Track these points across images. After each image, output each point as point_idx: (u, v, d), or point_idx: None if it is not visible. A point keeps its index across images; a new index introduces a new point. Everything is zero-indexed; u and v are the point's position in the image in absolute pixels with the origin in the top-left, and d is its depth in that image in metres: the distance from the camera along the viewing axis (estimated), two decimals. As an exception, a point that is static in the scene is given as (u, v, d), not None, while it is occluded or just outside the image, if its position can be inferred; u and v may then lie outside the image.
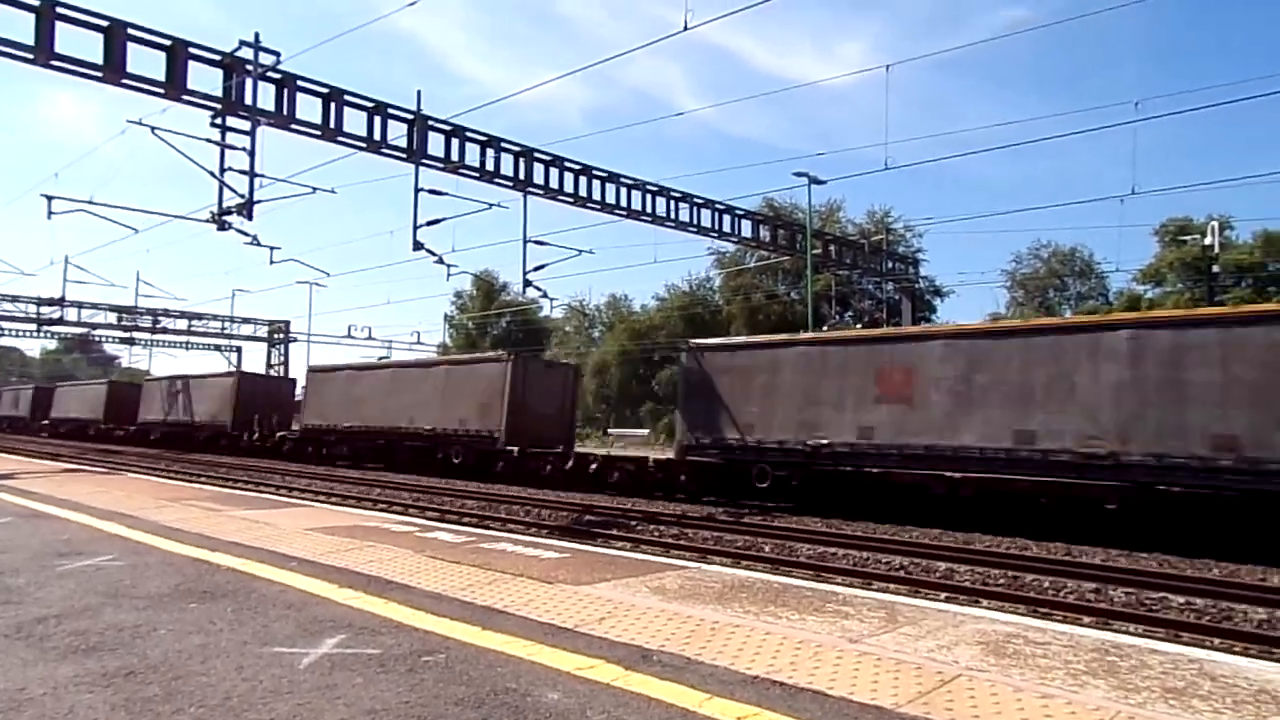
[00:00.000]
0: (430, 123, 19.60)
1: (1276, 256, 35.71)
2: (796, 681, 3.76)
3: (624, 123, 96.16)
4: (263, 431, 33.16)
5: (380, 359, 41.29)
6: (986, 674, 3.86)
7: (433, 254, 20.81)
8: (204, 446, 35.43)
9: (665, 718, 3.33)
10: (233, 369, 40.19)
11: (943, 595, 9.45)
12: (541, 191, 21.73)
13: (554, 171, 21.92)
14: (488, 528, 13.35)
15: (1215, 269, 26.89)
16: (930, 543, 13.17)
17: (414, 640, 4.41)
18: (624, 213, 23.42)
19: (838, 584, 9.14)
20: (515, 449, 23.18)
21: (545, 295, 24.50)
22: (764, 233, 28.66)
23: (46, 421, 50.59)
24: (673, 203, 24.41)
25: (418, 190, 19.69)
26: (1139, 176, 57.49)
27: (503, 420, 23.49)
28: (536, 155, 21.53)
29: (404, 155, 19.33)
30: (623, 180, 23.26)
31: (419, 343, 54.11)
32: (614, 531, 14.35)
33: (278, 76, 17.26)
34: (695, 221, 25.19)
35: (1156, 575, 10.76)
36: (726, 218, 26.17)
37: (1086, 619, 8.35)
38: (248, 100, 16.79)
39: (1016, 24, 74.55)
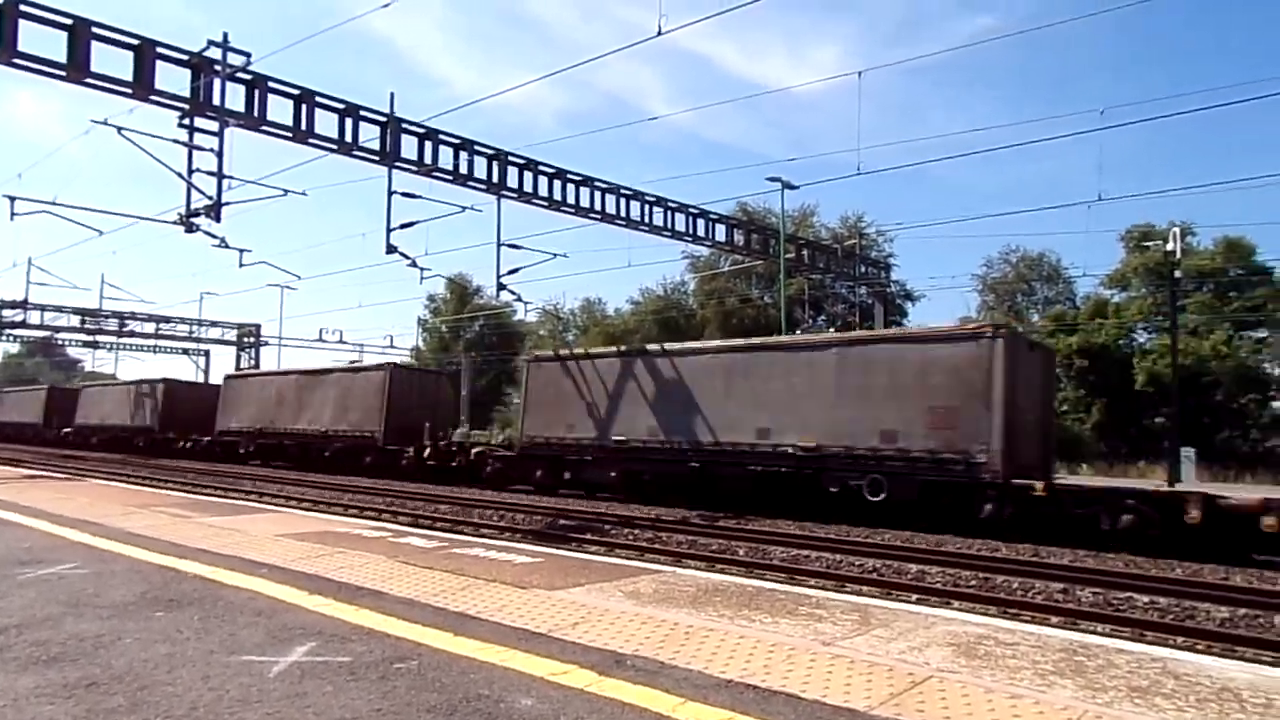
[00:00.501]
0: (403, 125, 19.47)
1: (1237, 262, 36.49)
2: (770, 685, 3.77)
3: (598, 126, 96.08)
4: (188, 436, 35.97)
5: (351, 363, 41.09)
6: (957, 675, 3.90)
7: (406, 257, 20.68)
8: (138, 450, 37.95)
9: (639, 722, 3.33)
10: (164, 376, 41.98)
11: (914, 597, 9.53)
12: (515, 195, 21.66)
13: (528, 175, 21.87)
14: (461, 532, 13.26)
15: (1177, 274, 27.41)
16: (902, 545, 13.28)
17: (386, 647, 4.36)
18: (598, 216, 23.41)
19: (811, 586, 9.20)
20: (394, 447, 26.54)
21: (519, 299, 24.40)
22: (738, 237, 28.77)
23: None
24: (647, 207, 24.44)
25: (391, 193, 19.56)
26: (1106, 183, 58.49)
27: (382, 422, 27.18)
28: (510, 158, 21.46)
29: (377, 158, 19.18)
30: (597, 184, 23.26)
31: (392, 346, 53.69)
32: (588, 535, 14.31)
33: (248, 77, 17.06)
34: (670, 225, 25.24)
35: (1122, 575, 10.94)
36: (701, 222, 26.25)
37: (1054, 619, 8.47)
38: (216, 101, 16.57)
39: (985, 31, 75.72)
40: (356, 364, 34.44)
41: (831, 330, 38.00)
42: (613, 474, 20.18)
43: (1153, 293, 35.71)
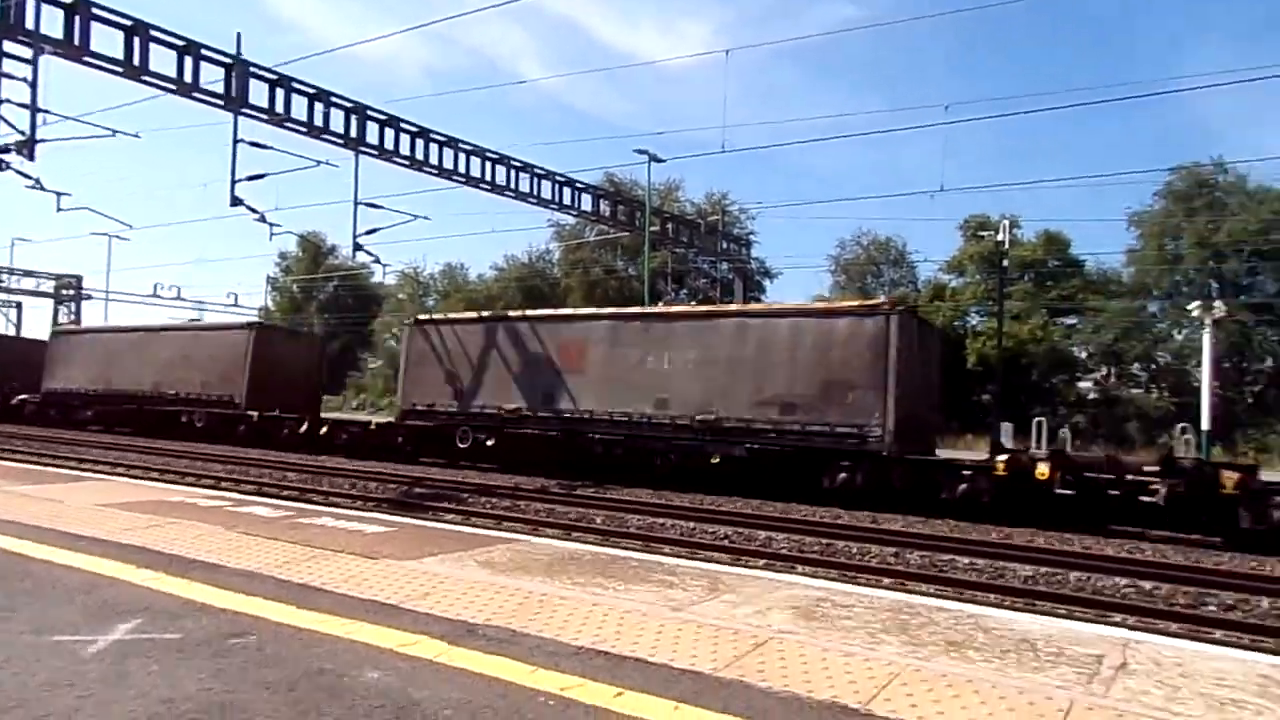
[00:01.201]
0: (252, 69, 18.19)
1: (1054, 254, 39.96)
2: (620, 651, 3.85)
3: (465, 86, 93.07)
4: (2, 393, 32.55)
5: (191, 321, 38.32)
6: (796, 636, 4.11)
7: (253, 211, 19.48)
8: None
9: (489, 691, 3.32)
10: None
11: (762, 562, 9.98)
12: (375, 152, 20.75)
13: (389, 132, 20.98)
14: (310, 501, 12.74)
15: (1005, 263, 29.70)
16: (752, 513, 13.84)
17: (220, 622, 4.14)
18: (462, 179, 22.80)
19: (665, 554, 9.44)
20: (255, 413, 24.55)
21: (377, 260, 23.70)
22: (604, 207, 28.79)
23: None
24: (513, 172, 24.01)
25: (236, 141, 18.27)
26: (948, 174, 62.53)
27: (244, 386, 25.08)
28: (370, 113, 20.51)
29: (221, 102, 17.85)
30: (462, 145, 22.62)
31: (236, 305, 50.39)
32: (445, 504, 14.08)
33: (68, 1, 15.39)
34: (535, 192, 24.93)
35: (947, 539, 11.87)
36: (567, 190, 26.08)
37: (887, 581, 9.10)
38: (30, 24, 14.88)
39: (846, 22, 78.63)
40: (223, 324, 31.34)
41: (692, 304, 38.79)
42: (490, 441, 19.77)
43: (984, 279, 38.51)
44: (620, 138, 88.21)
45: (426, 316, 23.88)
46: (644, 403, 17.69)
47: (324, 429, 23.40)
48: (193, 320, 39.79)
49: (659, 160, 27.43)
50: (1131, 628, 6.71)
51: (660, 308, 23.71)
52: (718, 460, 16.84)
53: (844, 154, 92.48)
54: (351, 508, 12.22)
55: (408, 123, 21.30)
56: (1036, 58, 69.19)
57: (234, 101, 17.86)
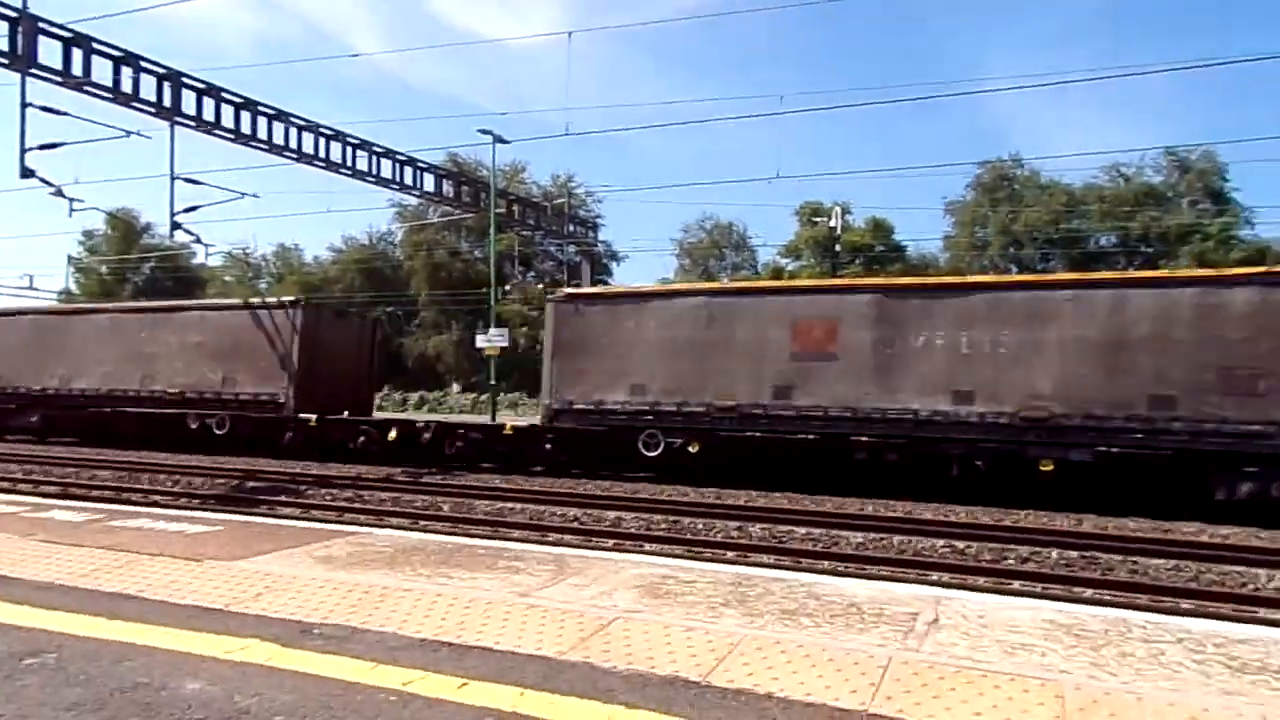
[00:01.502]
0: (41, 24, 16.32)
1: (881, 239, 42.71)
2: (465, 640, 3.81)
3: (295, 57, 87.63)
4: None
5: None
6: (641, 614, 4.21)
7: (48, 184, 17.58)
8: None
9: (325, 691, 3.20)
10: None
11: (611, 542, 10.12)
12: (193, 123, 19.18)
13: (209, 101, 19.42)
14: (126, 501, 11.76)
15: (837, 248, 31.43)
16: (601, 494, 14.02)
17: (14, 641, 3.75)
18: (294, 156, 21.47)
19: (515, 539, 9.40)
20: (311, 417, 19.72)
21: (198, 240, 21.84)
22: (447, 188, 27.96)
23: None
24: (349, 149, 22.85)
25: (25, 105, 16.41)
26: (783, 162, 65.30)
27: (291, 381, 19.73)
28: (186, 80, 18.90)
29: (5, 60, 15.93)
30: (293, 120, 21.28)
31: (32, 287, 45.31)
32: (281, 498, 13.38)
33: None
34: (375, 171, 23.84)
35: (786, 511, 12.48)
36: (408, 170, 25.10)
37: (730, 554, 9.46)
38: None
39: (685, 10, 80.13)
40: (254, 301, 22.94)
41: (539, 286, 38.59)
42: (693, 448, 16.25)
43: (819, 263, 40.55)
44: (464, 117, 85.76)
45: (587, 290, 19.81)
46: (934, 396, 14.52)
47: (425, 435, 18.83)
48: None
49: (504, 141, 26.94)
50: (946, 585, 7.36)
51: (953, 280, 19.03)
52: (1049, 467, 13.74)
53: (686, 139, 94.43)
54: (174, 506, 11.39)
55: (230, 93, 19.80)
56: (866, 52, 73.25)
57: (20, 60, 15.98)
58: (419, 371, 44.88)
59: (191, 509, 10.08)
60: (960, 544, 10.19)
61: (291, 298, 21.37)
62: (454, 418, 25.95)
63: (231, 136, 19.95)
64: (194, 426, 20.80)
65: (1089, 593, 7.84)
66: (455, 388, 43.02)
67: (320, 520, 10.27)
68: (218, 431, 20.54)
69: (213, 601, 4.40)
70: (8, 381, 23.43)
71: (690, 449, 16.11)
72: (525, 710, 3.05)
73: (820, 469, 15.26)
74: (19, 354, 23.26)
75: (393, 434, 18.97)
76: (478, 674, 3.40)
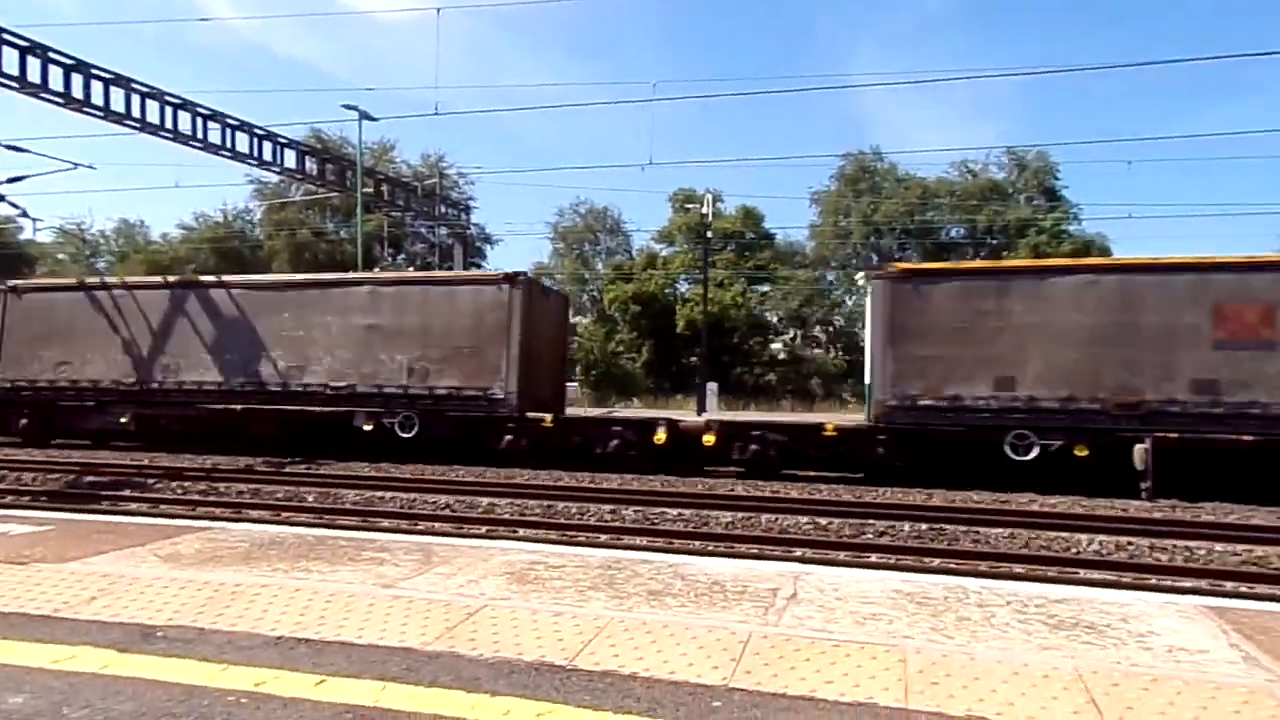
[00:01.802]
0: None
1: (751, 227, 43.93)
2: (324, 636, 3.69)
3: (137, 18, 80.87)
4: None
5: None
6: (509, 602, 4.19)
7: None
8: None
9: (168, 697, 3.02)
10: None
11: (484, 529, 10.01)
12: (15, 84, 17.45)
13: (34, 61, 17.72)
14: (-63, 504, 10.63)
15: (709, 235, 32.09)
16: (475, 480, 13.82)
17: None
18: (136, 125, 19.91)
19: (384, 528, 9.14)
20: (547, 416, 16.76)
21: (25, 214, 19.95)
22: (310, 165, 26.68)
23: None
24: (200, 120, 21.40)
25: None
26: (656, 148, 66.06)
27: (511, 371, 16.54)
28: (7, 36, 17.15)
29: None
30: (135, 86, 19.71)
31: None
32: (125, 493, 12.47)
33: None
34: (230, 145, 22.44)
35: (659, 493, 12.69)
36: (267, 144, 23.77)
37: (604, 537, 9.54)
38: None
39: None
40: (452, 275, 20.57)
41: (410, 269, 37.49)
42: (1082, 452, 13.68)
43: (692, 249, 41.28)
44: (328, 91, 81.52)
45: (929, 267, 16.97)
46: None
47: (708, 437, 15.61)
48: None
49: (371, 119, 25.97)
50: (809, 560, 7.69)
51: None
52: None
53: (559, 122, 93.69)
54: (-2, 506, 10.42)
55: (61, 53, 18.13)
56: (738, 42, 74.75)
57: None
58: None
59: (19, 508, 9.24)
60: (823, 520, 10.67)
61: (507, 271, 17.37)
62: (744, 416, 21.69)
63: (61, 101, 18.31)
64: (366, 428, 17.20)
65: (937, 562, 8.40)
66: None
67: (169, 516, 9.64)
68: (402, 434, 17.01)
69: (38, 608, 4.07)
70: (78, 372, 18.87)
71: (1077, 452, 13.73)
72: (387, 704, 2.99)
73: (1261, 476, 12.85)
74: (98, 338, 18.89)
75: (661, 434, 15.97)
76: (337, 670, 3.30)
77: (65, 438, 19.22)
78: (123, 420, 18.50)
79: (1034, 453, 13.80)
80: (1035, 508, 11.75)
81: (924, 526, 10.31)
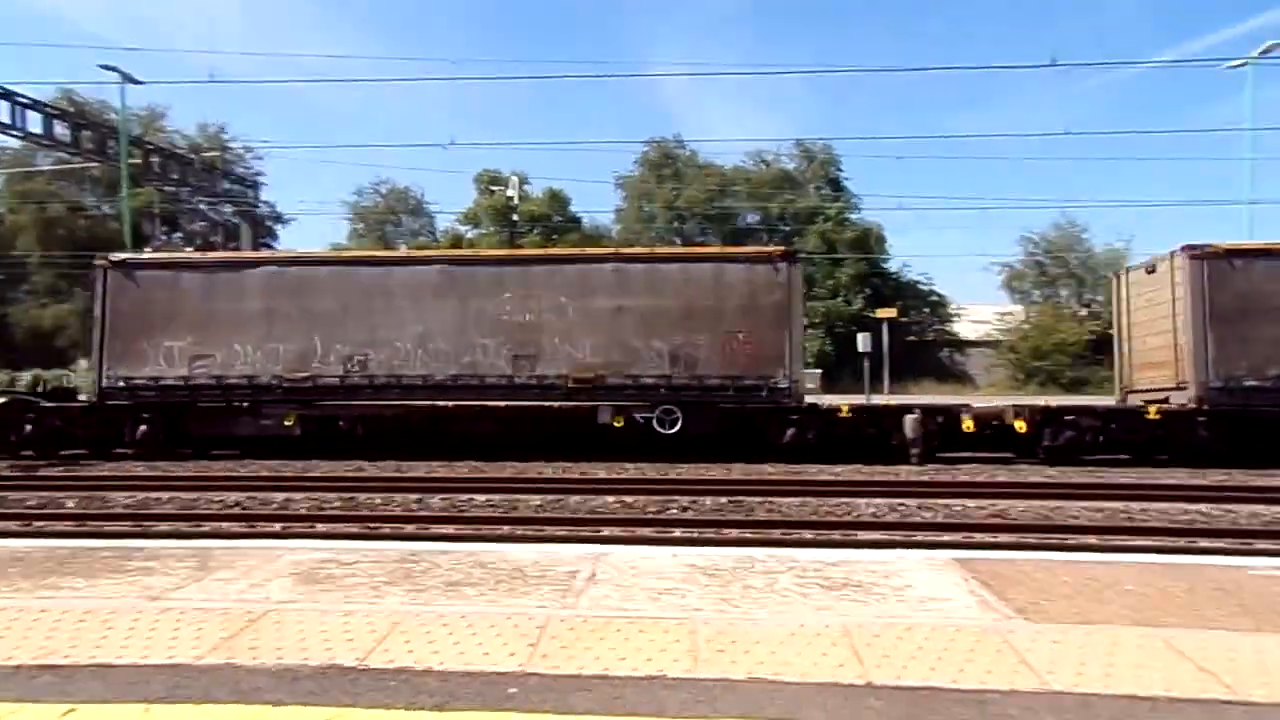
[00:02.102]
0: None
1: (558, 210, 44.04)
2: (75, 660, 3.32)
3: None
4: None
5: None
6: (296, 604, 3.97)
7: None
8: None
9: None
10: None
11: (278, 526, 9.39)
12: None
13: None
14: None
15: (515, 217, 31.81)
16: (269, 474, 12.98)
17: None
18: None
19: (160, 533, 8.38)
20: (843, 407, 15.41)
21: None
22: (61, 130, 23.66)
23: None
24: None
25: None
26: (458, 128, 64.45)
27: (791, 359, 15.11)
28: None
29: None
30: None
31: None
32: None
33: None
34: (-48, 101, 19.46)
35: (466, 479, 12.49)
36: (4, 104, 20.84)
37: (410, 528, 9.23)
38: None
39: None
40: (711, 251, 17.49)
41: (189, 250, 34.31)
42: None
43: (498, 231, 40.74)
44: (82, 47, 72.57)
45: (1243, 245, 15.67)
46: None
47: (1018, 421, 14.56)
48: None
49: (136, 82, 23.35)
50: (616, 540, 7.86)
51: None
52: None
53: (355, 96, 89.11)
54: None
55: None
56: (542, 23, 74.19)
57: None
58: (31, 346, 37.76)
59: None
60: (629, 498, 10.94)
61: (780, 248, 15.89)
62: (1060, 399, 19.85)
63: None
64: (616, 424, 15.40)
65: (735, 533, 8.85)
66: (83, 364, 36.91)
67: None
68: (661, 430, 15.24)
69: None
70: (224, 367, 15.75)
71: None
72: (150, 729, 2.75)
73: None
74: (250, 325, 15.82)
75: (969, 422, 14.96)
76: (90, 697, 2.99)
77: (201, 446, 16.05)
78: (287, 423, 15.89)
79: None
80: (823, 477, 12.69)
81: (724, 500, 10.82)
